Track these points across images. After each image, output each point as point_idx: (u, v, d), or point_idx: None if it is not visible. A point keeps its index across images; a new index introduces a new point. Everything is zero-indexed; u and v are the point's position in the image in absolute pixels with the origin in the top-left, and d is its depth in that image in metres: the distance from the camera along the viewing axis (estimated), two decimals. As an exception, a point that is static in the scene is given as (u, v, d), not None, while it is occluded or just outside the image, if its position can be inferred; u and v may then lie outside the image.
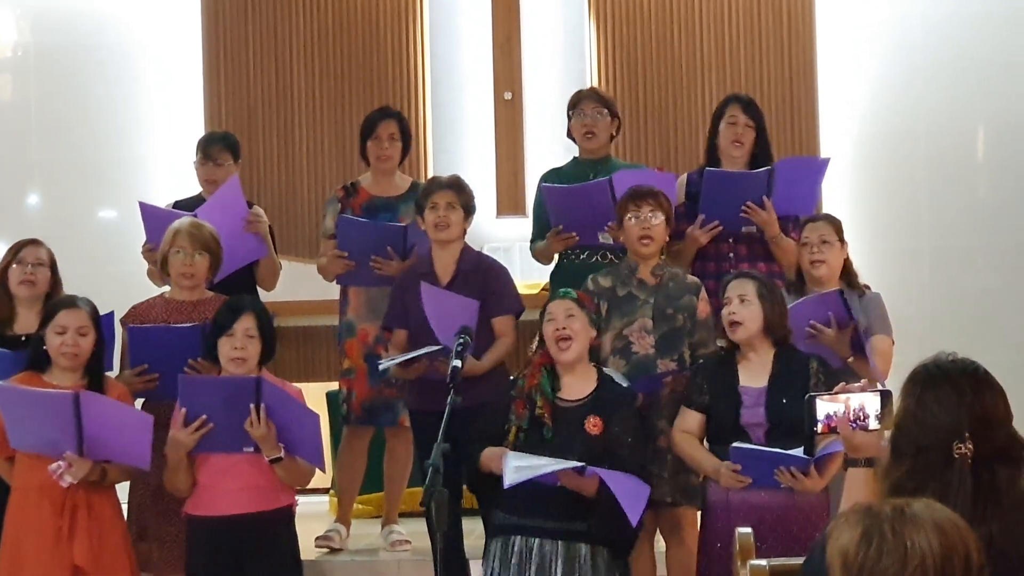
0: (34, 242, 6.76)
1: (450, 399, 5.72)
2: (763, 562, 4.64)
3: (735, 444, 5.78)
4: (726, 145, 7.15)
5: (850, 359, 6.39)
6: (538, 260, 7.44)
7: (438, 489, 5.20)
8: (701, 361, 6.29)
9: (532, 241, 7.43)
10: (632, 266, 6.52)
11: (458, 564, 6.52)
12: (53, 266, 6.73)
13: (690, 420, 6.05)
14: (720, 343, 6.22)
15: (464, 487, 6.61)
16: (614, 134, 7.50)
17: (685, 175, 7.29)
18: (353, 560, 7.21)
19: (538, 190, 7.45)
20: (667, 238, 6.60)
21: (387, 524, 7.48)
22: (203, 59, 9.92)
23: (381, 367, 6.56)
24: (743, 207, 6.91)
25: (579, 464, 5.58)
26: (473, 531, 6.78)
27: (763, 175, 6.96)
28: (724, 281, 6.13)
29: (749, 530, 5.00)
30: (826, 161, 7.30)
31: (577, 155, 7.49)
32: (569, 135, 7.51)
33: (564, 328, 5.91)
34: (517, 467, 5.52)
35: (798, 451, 5.67)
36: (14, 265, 6.66)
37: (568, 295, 6.02)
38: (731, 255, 7.05)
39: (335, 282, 7.45)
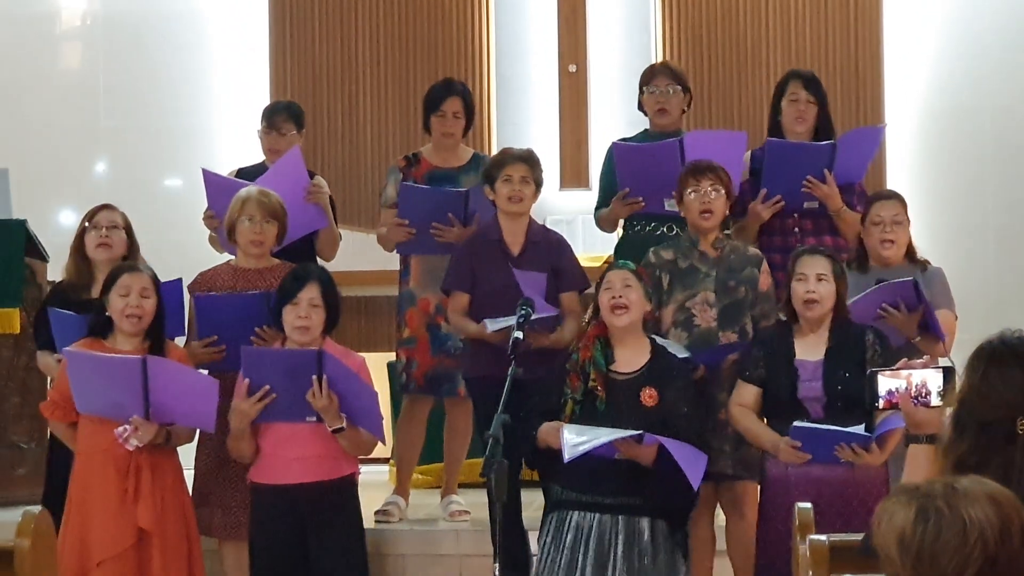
0: (108, 207, 6.77)
1: (511, 370, 5.74)
2: (823, 537, 4.65)
3: (796, 423, 5.78)
4: (789, 122, 7.14)
5: (917, 339, 6.37)
6: (601, 228, 7.42)
7: (498, 460, 5.21)
8: (757, 334, 6.30)
9: (596, 209, 7.42)
10: (693, 239, 6.52)
11: (517, 535, 6.52)
12: (128, 230, 6.74)
13: (747, 393, 6.07)
14: (781, 316, 6.23)
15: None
16: (685, 109, 7.50)
17: (749, 152, 7.27)
18: (412, 530, 7.24)
19: (607, 157, 7.43)
20: (727, 212, 6.60)
21: (446, 494, 7.49)
22: (269, 28, 9.96)
23: (492, 327, 6.49)
24: (804, 181, 6.89)
25: (637, 432, 5.59)
26: (532, 503, 6.79)
27: (827, 148, 6.95)
28: (794, 255, 6.15)
29: (809, 505, 5.01)
30: (880, 129, 7.25)
31: (648, 128, 7.48)
32: (640, 108, 7.50)
33: (621, 297, 5.91)
34: (575, 442, 5.52)
35: (858, 428, 5.68)
36: (90, 230, 6.69)
37: (626, 266, 6.03)
38: (796, 230, 7.03)
39: (395, 251, 7.45)
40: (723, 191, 6.48)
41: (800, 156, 6.96)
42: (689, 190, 6.48)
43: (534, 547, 6.63)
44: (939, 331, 6.34)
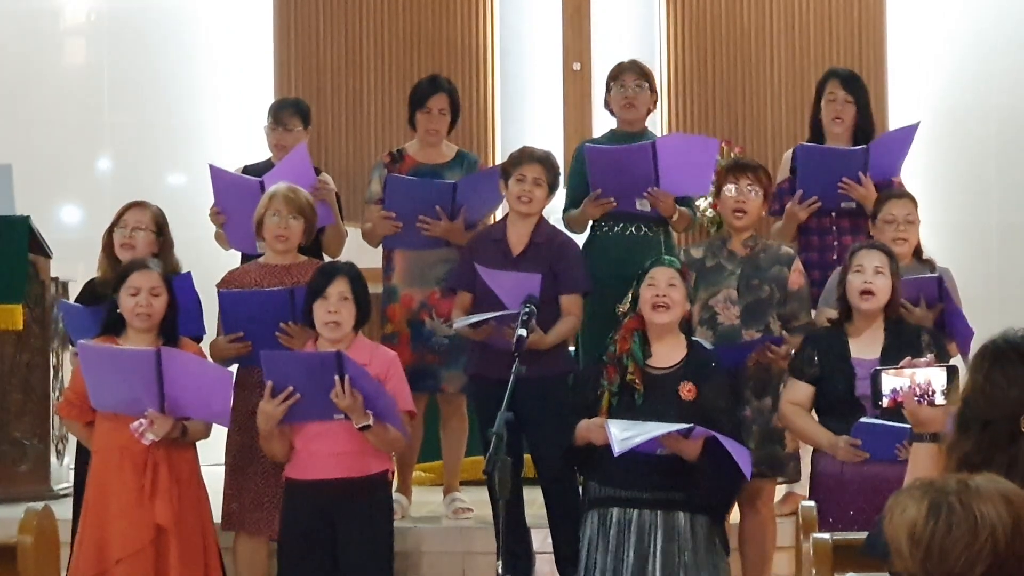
0: (139, 205, 6.74)
1: (515, 368, 5.72)
2: (826, 536, 4.65)
3: (862, 419, 5.73)
4: (827, 122, 7.14)
5: None
6: (570, 229, 7.40)
7: (501, 457, 5.20)
8: (808, 333, 6.26)
9: (565, 210, 7.42)
10: (724, 237, 6.52)
11: (519, 532, 6.53)
12: (160, 228, 6.71)
13: (800, 392, 6.04)
14: (829, 315, 6.19)
15: (526, 456, 6.63)
16: (651, 108, 7.49)
17: (790, 150, 7.27)
18: (416, 527, 7.23)
19: (574, 158, 7.49)
20: (763, 214, 6.59)
21: (449, 492, 7.50)
22: (274, 25, 9.97)
23: (455, 327, 6.55)
24: (840, 183, 6.88)
25: (687, 426, 5.55)
26: (534, 500, 6.79)
27: (859, 153, 6.95)
28: (852, 249, 6.12)
29: (812, 504, 5.01)
30: (914, 127, 7.22)
31: (614, 127, 7.49)
32: (607, 106, 7.51)
33: (664, 295, 5.88)
34: (624, 436, 5.48)
35: None
36: (118, 229, 6.68)
37: (672, 264, 5.98)
38: (834, 228, 7.04)
39: (380, 246, 7.45)
40: (761, 192, 6.47)
41: (833, 160, 6.95)
42: (728, 185, 6.47)
43: (537, 545, 6.65)
44: (963, 332, 6.30)
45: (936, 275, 6.41)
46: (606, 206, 7.08)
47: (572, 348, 7.09)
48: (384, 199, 7.25)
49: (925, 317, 6.33)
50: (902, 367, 3.90)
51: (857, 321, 6.01)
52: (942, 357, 5.37)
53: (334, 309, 6.01)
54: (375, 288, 7.62)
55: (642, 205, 7.02)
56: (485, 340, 6.46)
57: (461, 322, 6.48)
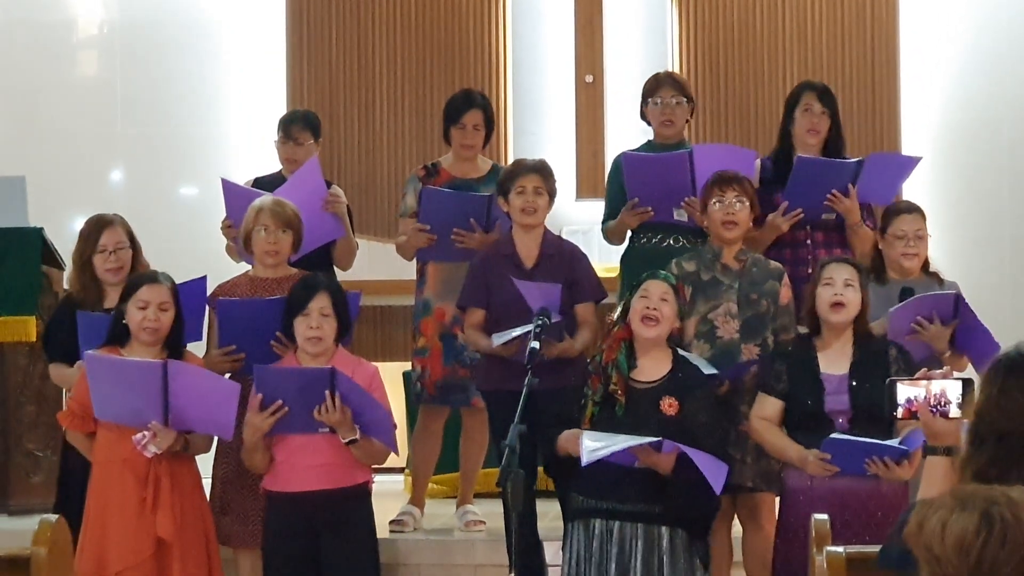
0: (109, 224, 6.67)
1: (528, 380, 5.73)
2: (839, 549, 4.64)
3: (833, 435, 5.76)
4: (801, 133, 7.10)
5: (947, 354, 6.36)
6: (608, 240, 7.41)
7: (515, 470, 5.20)
8: (777, 348, 6.29)
9: (604, 221, 7.42)
10: (715, 251, 6.51)
11: (532, 545, 6.52)
12: (131, 238, 6.73)
13: (769, 407, 6.05)
14: (801, 329, 6.21)
15: (539, 468, 6.62)
16: (689, 119, 7.50)
17: (758, 161, 7.27)
18: (427, 539, 7.23)
19: (612, 169, 7.47)
20: (750, 224, 6.59)
21: (462, 504, 7.49)
22: (286, 38, 9.98)
23: (498, 342, 6.51)
24: (828, 195, 6.87)
25: (656, 439, 5.57)
26: (547, 513, 6.79)
27: (853, 165, 6.93)
28: (821, 263, 6.15)
29: (825, 516, 5.00)
30: (917, 159, 7.24)
31: (651, 139, 7.48)
32: (643, 117, 7.49)
33: (655, 309, 5.90)
34: (593, 447, 5.52)
35: (894, 442, 5.67)
36: (98, 254, 6.65)
37: (668, 279, 6.01)
38: (808, 241, 7.01)
39: (414, 259, 7.45)
40: (748, 203, 6.47)
41: (827, 172, 6.93)
42: (714, 200, 6.47)
43: (549, 558, 6.64)
44: (985, 348, 6.24)
45: (954, 292, 6.40)
46: (643, 215, 7.08)
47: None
48: (419, 211, 7.25)
49: (939, 335, 6.32)
50: (918, 378, 3.90)
51: (826, 335, 6.03)
52: (908, 373, 5.39)
53: (316, 325, 6.04)
54: (407, 301, 7.64)
55: (679, 215, 7.02)
56: (514, 355, 6.42)
57: (499, 338, 6.46)
